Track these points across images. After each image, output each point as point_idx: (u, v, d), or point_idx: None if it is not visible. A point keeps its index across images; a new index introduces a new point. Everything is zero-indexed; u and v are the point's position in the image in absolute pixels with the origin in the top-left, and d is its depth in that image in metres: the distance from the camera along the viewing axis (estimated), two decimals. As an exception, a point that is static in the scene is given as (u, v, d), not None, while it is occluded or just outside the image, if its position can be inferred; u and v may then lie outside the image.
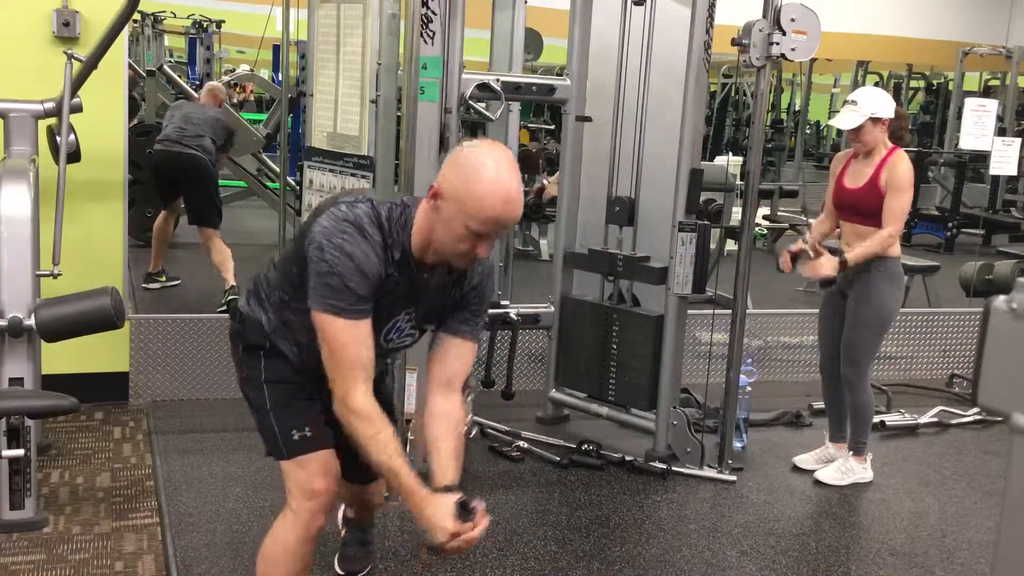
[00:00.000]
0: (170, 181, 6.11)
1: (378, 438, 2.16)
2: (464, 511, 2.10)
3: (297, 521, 2.41)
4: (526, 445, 4.22)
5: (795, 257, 4.00)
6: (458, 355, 2.36)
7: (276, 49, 7.92)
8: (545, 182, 7.82)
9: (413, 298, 2.32)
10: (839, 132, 17.32)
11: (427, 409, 2.35)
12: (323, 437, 2.43)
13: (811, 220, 4.13)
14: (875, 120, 3.85)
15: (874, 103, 3.87)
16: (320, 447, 2.42)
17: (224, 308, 5.53)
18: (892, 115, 3.90)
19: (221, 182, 6.54)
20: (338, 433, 2.40)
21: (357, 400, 2.17)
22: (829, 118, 17.26)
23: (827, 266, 3.85)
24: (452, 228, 2.13)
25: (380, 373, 2.55)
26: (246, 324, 2.47)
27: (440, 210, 2.14)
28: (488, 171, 2.10)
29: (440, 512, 2.10)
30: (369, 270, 2.16)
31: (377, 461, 2.17)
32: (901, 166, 3.84)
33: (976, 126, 5.76)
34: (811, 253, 3.90)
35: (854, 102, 3.90)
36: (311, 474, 2.40)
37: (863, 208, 3.90)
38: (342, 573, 3.09)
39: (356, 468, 2.63)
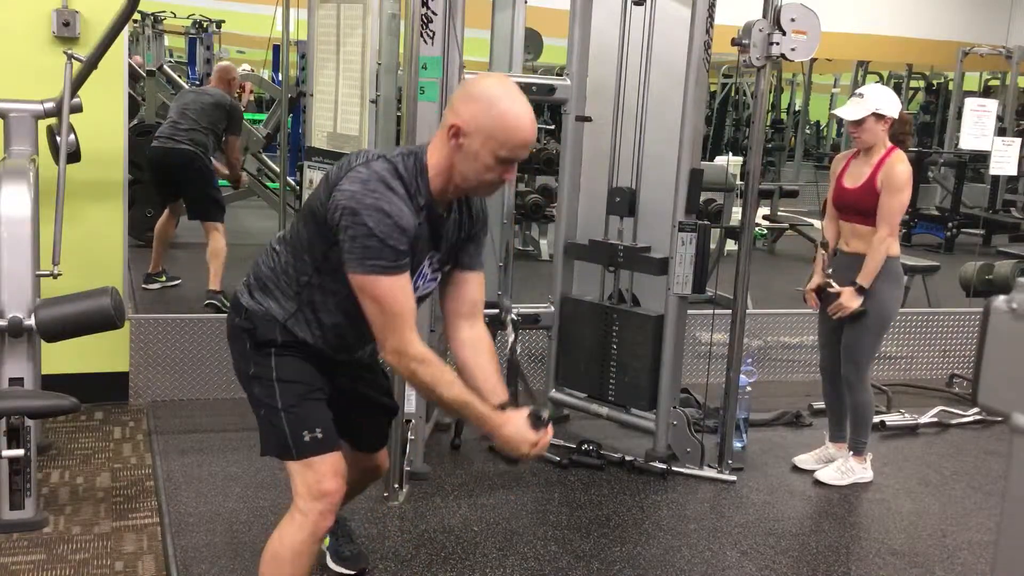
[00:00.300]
0: (166, 179, 6.07)
1: (444, 378, 2.27)
2: (537, 421, 2.28)
3: (305, 522, 2.40)
4: (526, 445, 4.21)
5: (819, 291, 4.05)
6: (476, 286, 2.49)
7: (276, 49, 7.92)
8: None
9: (435, 241, 2.38)
10: (839, 132, 17.37)
11: (454, 340, 2.44)
12: (333, 438, 2.44)
13: (826, 241, 4.12)
14: (879, 116, 3.86)
15: (880, 99, 3.87)
16: (331, 449, 2.43)
17: (209, 308, 5.52)
18: (896, 115, 3.90)
19: (221, 182, 6.49)
20: (345, 413, 2.49)
21: (415, 347, 2.25)
22: (829, 118, 17.28)
23: (852, 301, 3.89)
24: (480, 160, 2.22)
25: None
26: (254, 319, 2.44)
27: (464, 146, 2.22)
28: (507, 100, 2.21)
29: (519, 427, 2.27)
30: (405, 224, 2.21)
31: (449, 398, 2.28)
32: (899, 166, 3.84)
33: (976, 126, 5.76)
34: (834, 286, 3.95)
35: (861, 95, 3.90)
36: (321, 475, 2.40)
37: (861, 208, 3.91)
38: (351, 572, 3.09)
39: (369, 437, 2.75)
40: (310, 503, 2.40)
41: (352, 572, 3.10)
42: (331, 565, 3.10)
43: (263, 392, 2.45)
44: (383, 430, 2.86)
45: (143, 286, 6.26)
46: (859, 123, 3.87)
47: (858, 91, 3.97)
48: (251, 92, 13.85)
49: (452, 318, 2.46)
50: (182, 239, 7.26)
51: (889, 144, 3.93)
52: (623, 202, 4.21)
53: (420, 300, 2.48)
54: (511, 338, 2.60)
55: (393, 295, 2.22)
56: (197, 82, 11.71)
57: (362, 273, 2.21)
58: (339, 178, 2.26)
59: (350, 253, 2.20)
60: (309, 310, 2.41)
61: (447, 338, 2.49)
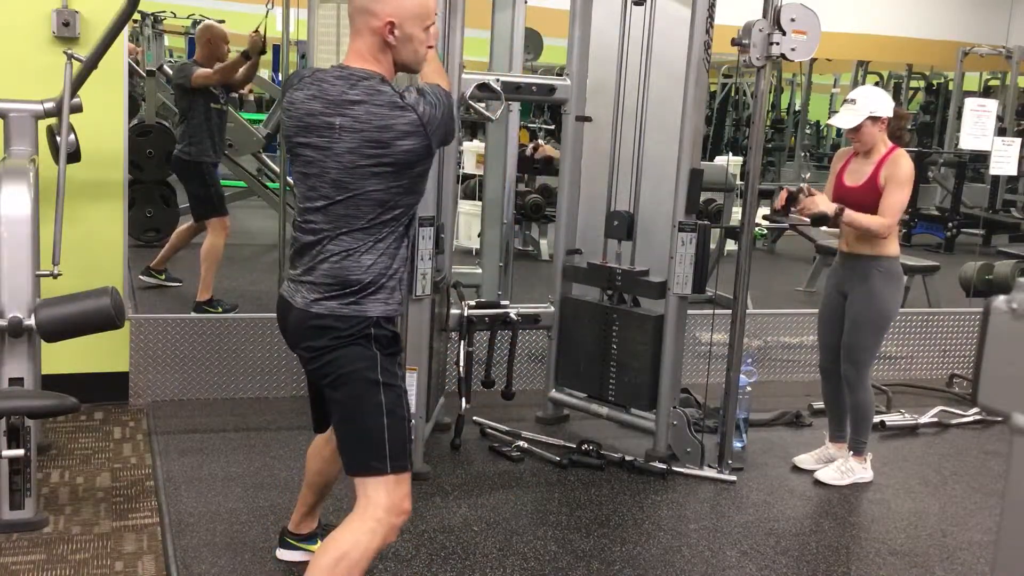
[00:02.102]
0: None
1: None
2: (792, 202, 2.64)
3: (380, 532, 2.43)
4: (526, 445, 4.22)
5: (791, 198, 3.96)
6: None
7: (276, 49, 7.90)
8: (540, 141, 7.80)
9: None
10: (839, 132, 17.28)
11: None
12: None
13: (818, 229, 4.11)
14: (874, 119, 3.86)
15: (872, 102, 3.87)
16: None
17: (201, 310, 5.52)
18: (891, 114, 3.90)
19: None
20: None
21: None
22: (829, 118, 17.27)
23: (822, 203, 3.85)
24: (416, 38, 2.45)
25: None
26: (368, 324, 2.42)
27: (402, 36, 2.42)
28: None
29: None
30: (441, 93, 2.51)
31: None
32: (903, 162, 3.85)
33: (976, 126, 5.76)
34: (807, 192, 3.90)
35: (852, 101, 3.90)
36: (405, 493, 2.48)
37: (862, 206, 3.90)
38: None
39: None
40: (391, 517, 2.44)
41: None
42: None
43: (394, 400, 2.44)
44: None
45: (140, 276, 6.16)
46: (856, 129, 3.87)
47: (849, 96, 3.96)
48: (251, 92, 13.84)
49: None
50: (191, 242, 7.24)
51: (889, 144, 3.93)
52: (621, 226, 4.21)
53: None
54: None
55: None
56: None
57: (441, 89, 2.52)
58: (422, 132, 2.39)
59: (450, 127, 2.53)
60: (404, 256, 2.52)
61: None
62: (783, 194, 3.98)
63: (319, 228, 2.44)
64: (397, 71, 2.51)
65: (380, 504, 2.42)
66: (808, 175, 3.94)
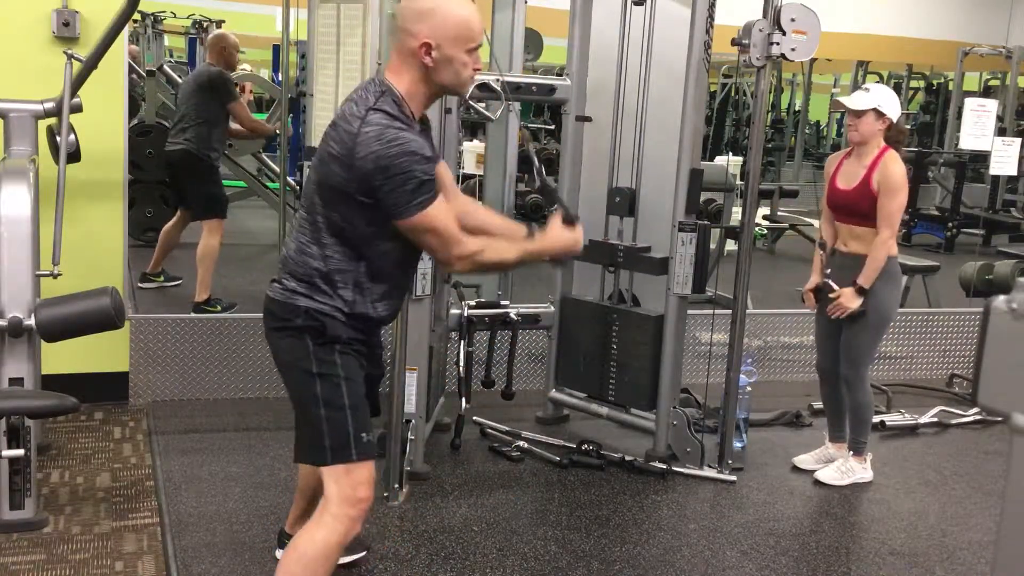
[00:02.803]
0: (172, 181, 6.08)
1: (502, 247, 2.52)
2: (570, 219, 2.58)
3: (338, 527, 2.41)
4: (526, 445, 4.22)
5: (816, 291, 4.06)
6: (443, 171, 2.56)
7: (276, 49, 7.91)
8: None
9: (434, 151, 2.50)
10: (839, 132, 17.34)
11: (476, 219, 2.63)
12: (373, 445, 2.49)
13: (824, 241, 4.12)
14: (879, 114, 3.86)
15: (885, 98, 3.88)
16: (374, 454, 2.49)
17: (200, 311, 5.51)
18: (895, 119, 3.91)
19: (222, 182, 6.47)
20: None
21: (469, 245, 2.43)
22: (829, 117, 17.27)
23: (852, 301, 3.89)
24: (457, 61, 2.36)
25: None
26: (320, 318, 2.43)
27: (440, 58, 2.35)
28: (452, 2, 2.37)
29: (560, 233, 2.57)
30: (427, 152, 2.34)
31: (516, 258, 2.54)
32: (893, 167, 3.84)
33: (976, 126, 5.76)
34: (833, 286, 3.96)
35: (867, 89, 3.92)
36: (359, 482, 2.43)
37: (856, 209, 3.91)
38: (354, 557, 3.12)
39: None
40: (345, 508, 2.41)
41: (355, 556, 3.11)
42: None
43: (329, 390, 2.44)
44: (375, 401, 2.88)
45: (138, 284, 6.21)
46: (860, 115, 3.88)
47: (865, 85, 3.98)
48: (251, 92, 13.83)
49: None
50: (183, 239, 7.24)
51: (882, 144, 3.93)
52: (623, 202, 4.21)
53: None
54: (533, 159, 2.88)
55: (441, 217, 2.36)
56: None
57: (412, 215, 2.32)
58: (348, 150, 2.30)
59: (396, 204, 2.30)
60: (369, 283, 2.44)
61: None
62: (811, 296, 4.11)
63: (296, 228, 2.54)
64: (437, 93, 2.45)
65: (332, 497, 2.42)
66: (829, 271, 4.01)
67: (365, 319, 2.48)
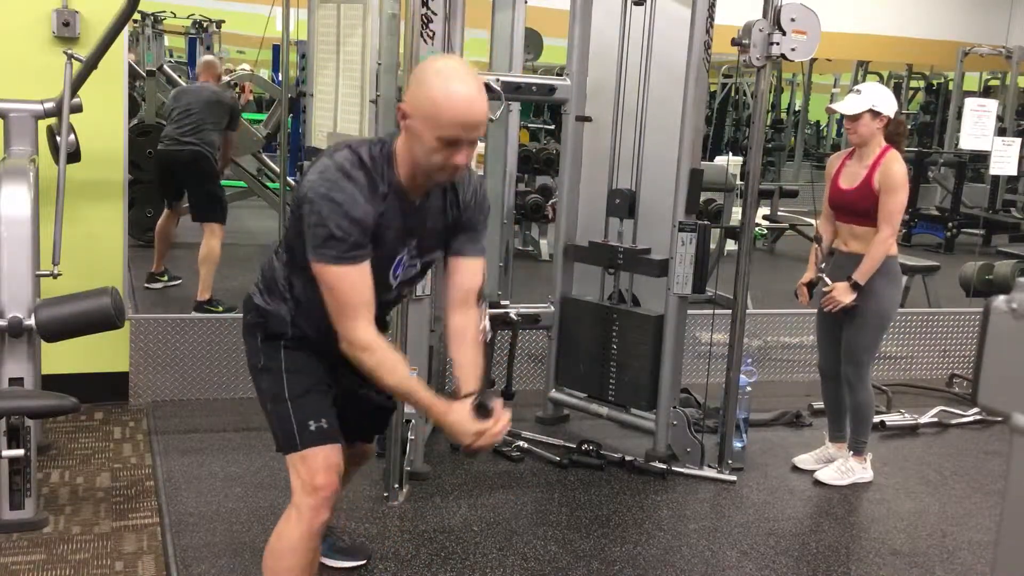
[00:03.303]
0: (173, 179, 6.10)
1: (386, 364, 2.28)
2: (482, 411, 2.26)
3: (300, 517, 2.41)
4: (526, 445, 4.22)
5: (810, 286, 4.06)
6: (470, 273, 2.45)
7: (276, 49, 7.91)
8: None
9: (411, 230, 2.36)
10: (839, 132, 17.35)
11: (446, 329, 2.45)
12: (335, 431, 2.45)
13: (820, 235, 4.13)
14: (875, 113, 3.86)
15: (878, 97, 3.88)
16: (331, 440, 2.43)
17: (202, 310, 5.52)
18: (892, 115, 3.90)
19: (222, 182, 6.50)
20: (344, 410, 2.51)
21: (360, 334, 2.25)
22: (829, 117, 17.26)
23: (845, 295, 3.90)
24: (425, 142, 2.17)
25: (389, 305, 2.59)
26: (266, 315, 2.46)
27: (411, 128, 2.19)
28: (443, 78, 2.15)
29: (460, 417, 2.25)
30: (358, 214, 2.20)
31: (391, 384, 2.30)
32: (894, 167, 3.84)
33: (976, 126, 5.76)
34: (827, 281, 3.95)
35: (859, 91, 3.91)
36: (314, 470, 2.40)
37: (858, 209, 3.91)
38: (356, 563, 3.12)
39: (365, 431, 2.80)
40: (304, 498, 2.41)
41: (356, 563, 3.11)
42: (332, 563, 3.10)
43: (272, 383, 2.46)
44: (378, 424, 2.89)
45: (146, 285, 6.29)
46: (855, 118, 3.87)
47: (856, 87, 3.97)
48: (251, 92, 13.82)
49: (446, 306, 2.46)
50: (182, 239, 7.25)
51: (883, 144, 3.93)
52: (623, 204, 4.21)
53: (404, 285, 2.51)
54: (484, 322, 2.62)
55: (343, 284, 2.23)
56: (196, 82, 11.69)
57: (316, 261, 2.23)
58: (307, 171, 2.30)
59: (308, 241, 2.23)
60: (305, 307, 2.42)
61: (444, 326, 2.50)
62: (804, 290, 4.12)
63: None
64: (416, 168, 2.24)
65: (294, 488, 2.43)
66: (824, 265, 4.01)
67: (308, 337, 2.46)
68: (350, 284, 2.23)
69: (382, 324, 2.55)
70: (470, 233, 2.45)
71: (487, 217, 2.51)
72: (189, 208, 6.18)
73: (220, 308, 5.58)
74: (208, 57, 6.88)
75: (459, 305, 2.43)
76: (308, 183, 2.22)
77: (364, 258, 2.24)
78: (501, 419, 2.29)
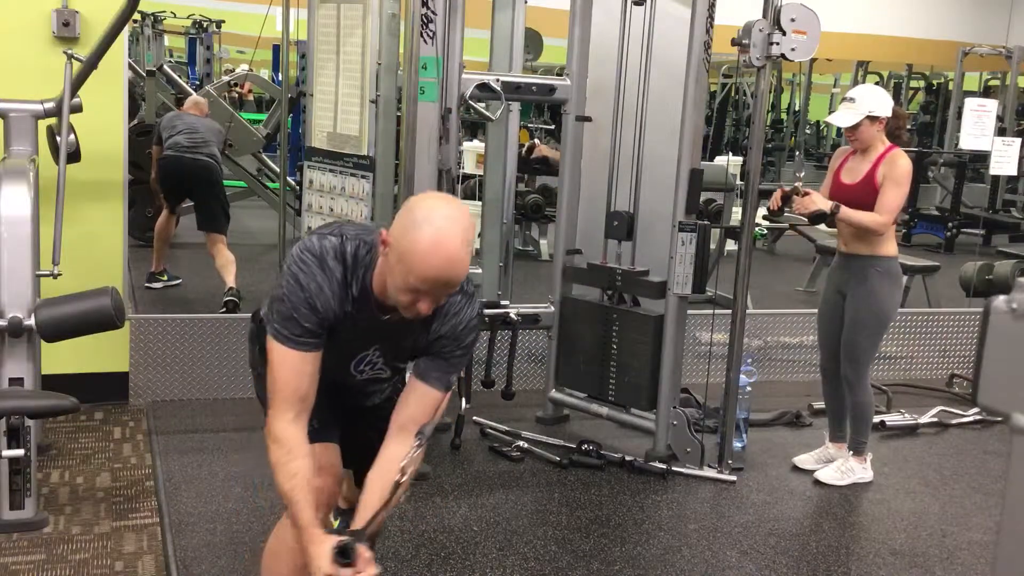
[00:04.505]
0: (181, 187, 6.19)
1: (289, 466, 2.17)
2: (342, 555, 2.09)
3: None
4: (526, 445, 4.22)
5: (786, 198, 3.98)
6: (419, 399, 2.29)
7: (276, 49, 7.91)
8: (536, 141, 7.82)
9: (376, 338, 2.30)
10: (839, 131, 17.26)
11: (380, 449, 2.32)
12: (328, 432, 2.42)
13: (818, 229, 4.12)
14: (872, 118, 3.86)
15: (872, 101, 3.87)
16: (323, 439, 2.40)
17: (224, 309, 5.54)
18: (889, 114, 3.90)
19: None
20: (358, 425, 2.48)
21: (277, 426, 2.18)
22: (828, 116, 17.26)
23: (818, 201, 3.86)
24: (395, 278, 2.08)
25: (384, 397, 2.53)
26: (263, 324, 2.43)
27: (388, 258, 2.09)
28: (431, 228, 2.02)
29: (320, 552, 2.11)
30: (320, 304, 2.14)
31: (279, 486, 2.18)
32: (900, 161, 3.84)
33: (976, 126, 5.77)
34: (801, 192, 3.90)
35: (852, 100, 3.90)
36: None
37: (859, 204, 3.90)
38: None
39: (369, 460, 2.63)
40: None
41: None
42: None
43: (263, 386, 2.45)
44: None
45: (146, 285, 6.31)
46: (854, 128, 3.87)
47: (848, 95, 3.96)
48: (250, 92, 13.82)
49: (391, 423, 2.32)
50: (182, 239, 7.26)
51: (887, 143, 3.92)
52: (621, 226, 4.21)
53: (375, 382, 2.46)
54: (409, 464, 2.43)
55: (279, 365, 2.17)
56: (197, 82, 11.71)
57: (270, 334, 2.18)
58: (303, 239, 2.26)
59: (268, 311, 2.21)
60: None
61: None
62: (778, 193, 3.99)
63: None
64: (384, 285, 2.15)
65: None
66: (803, 173, 3.93)
67: None
68: (288, 369, 2.17)
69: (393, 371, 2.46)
70: (439, 362, 2.30)
71: (466, 353, 2.34)
72: (197, 217, 6.21)
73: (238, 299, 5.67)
74: (196, 97, 7.17)
75: (396, 431, 2.29)
76: (291, 255, 2.18)
77: (313, 348, 2.17)
78: (365, 570, 2.10)
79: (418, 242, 2.01)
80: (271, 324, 2.18)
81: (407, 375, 2.42)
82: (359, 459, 2.65)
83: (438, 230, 2.01)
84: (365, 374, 2.40)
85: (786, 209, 4.00)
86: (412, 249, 2.01)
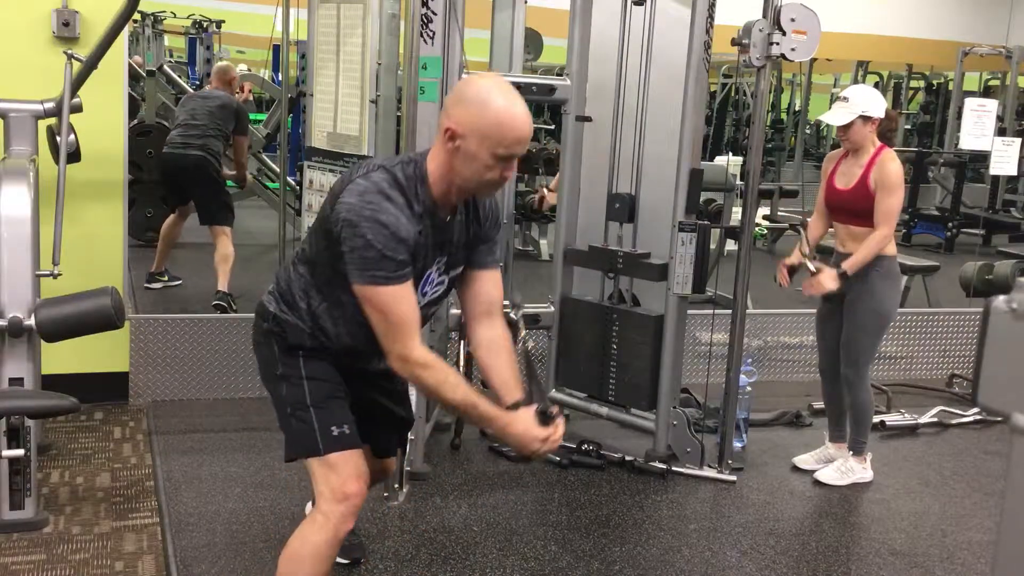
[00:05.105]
0: (177, 185, 6.13)
1: (448, 381, 2.31)
2: (545, 417, 2.33)
3: (327, 524, 2.40)
4: (526, 445, 4.21)
5: (792, 270, 4.02)
6: (492, 284, 2.50)
7: (276, 49, 7.91)
8: (545, 191, 7.80)
9: (442, 246, 2.40)
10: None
11: (472, 342, 2.48)
12: (357, 437, 2.46)
13: (806, 221, 4.11)
14: (865, 118, 3.85)
15: (866, 101, 3.87)
16: (355, 445, 2.45)
17: (217, 308, 5.53)
18: (883, 115, 3.90)
19: (227, 183, 6.50)
20: (360, 420, 2.51)
21: (417, 353, 2.28)
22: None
23: (829, 282, 3.86)
24: (479, 160, 2.22)
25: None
26: (284, 326, 2.46)
27: (461, 148, 2.23)
28: (499, 98, 2.22)
29: (526, 426, 2.32)
30: (403, 234, 2.23)
31: (453, 400, 2.32)
32: (890, 166, 3.84)
33: (976, 126, 5.76)
34: (811, 267, 3.92)
35: (845, 99, 3.90)
36: (345, 477, 2.41)
37: (854, 209, 3.91)
38: (345, 561, 3.12)
39: (381, 444, 2.78)
40: (333, 506, 2.40)
41: (344, 560, 3.11)
42: None
43: (292, 390, 2.46)
44: (395, 438, 2.87)
45: (145, 285, 6.30)
46: (847, 128, 3.87)
47: (842, 94, 3.96)
48: (250, 92, 13.79)
49: (470, 319, 2.48)
50: (184, 239, 7.24)
51: (878, 143, 3.92)
52: (623, 208, 4.21)
53: (431, 305, 2.51)
54: (521, 333, 2.64)
55: (395, 304, 2.25)
56: (197, 82, 11.71)
57: (363, 284, 2.24)
58: (340, 191, 2.29)
59: (351, 264, 2.24)
60: (327, 321, 2.44)
61: (468, 340, 2.51)
62: (784, 270, 4.03)
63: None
64: (460, 187, 2.30)
65: (322, 494, 2.42)
66: (807, 250, 3.97)
67: (325, 348, 2.47)
68: (402, 302, 2.26)
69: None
70: (489, 244, 2.50)
71: (500, 230, 2.55)
72: (197, 213, 6.19)
73: (235, 307, 5.61)
74: (222, 63, 6.82)
75: (484, 317, 2.48)
76: (348, 206, 2.23)
77: (410, 277, 2.28)
78: (560, 425, 2.35)
79: (499, 113, 2.20)
80: (362, 276, 2.23)
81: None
82: (378, 442, 2.72)
83: (505, 97, 2.23)
84: (427, 296, 2.46)
85: (794, 279, 4.06)
86: (497, 121, 2.20)
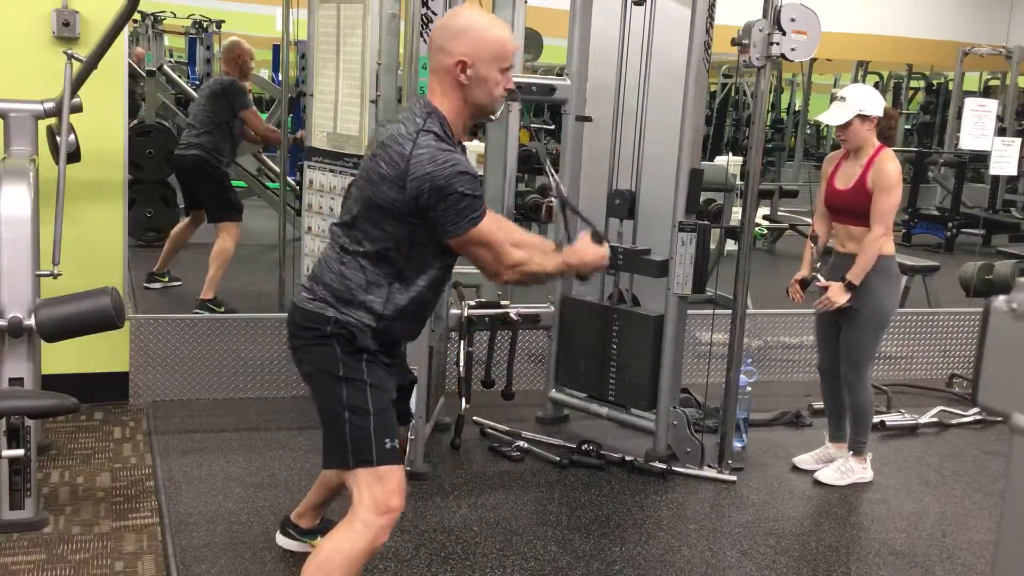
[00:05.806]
0: (183, 186, 6.15)
1: (538, 261, 2.57)
2: (597, 238, 2.75)
3: (366, 533, 2.41)
4: (526, 445, 4.22)
5: (804, 283, 4.04)
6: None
7: (276, 49, 7.92)
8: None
9: None
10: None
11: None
12: (401, 453, 2.51)
13: (815, 235, 4.12)
14: (863, 118, 3.85)
15: (863, 100, 3.87)
16: (401, 460, 2.50)
17: (204, 308, 5.54)
18: (880, 113, 3.90)
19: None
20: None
21: (516, 256, 2.50)
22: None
23: (840, 296, 3.88)
24: (490, 80, 2.43)
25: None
26: (349, 327, 2.46)
27: (474, 76, 2.41)
28: (486, 19, 2.47)
29: (590, 248, 2.70)
30: (473, 171, 2.42)
31: (551, 272, 2.65)
32: (888, 166, 3.84)
33: (976, 126, 5.76)
34: (821, 279, 3.95)
35: (843, 98, 3.90)
36: (390, 491, 2.43)
37: (853, 209, 3.91)
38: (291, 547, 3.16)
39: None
40: (375, 517, 2.41)
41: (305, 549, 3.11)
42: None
43: (354, 394, 2.45)
44: (404, 405, 2.84)
45: (145, 285, 6.29)
46: (845, 126, 3.87)
47: (839, 94, 3.96)
48: (250, 92, 13.73)
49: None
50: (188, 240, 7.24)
51: (877, 143, 3.92)
52: (623, 204, 4.21)
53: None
54: (553, 181, 3.23)
55: (492, 231, 2.45)
56: (197, 82, 11.70)
57: (464, 231, 2.39)
58: (401, 172, 2.35)
59: (448, 222, 2.38)
60: (401, 301, 2.48)
61: None
62: (796, 286, 4.07)
63: (331, 239, 2.55)
64: (472, 113, 2.50)
65: (364, 503, 2.42)
66: (819, 265, 4.01)
67: (391, 334, 2.52)
68: (495, 227, 2.48)
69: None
70: None
71: None
72: (205, 211, 6.15)
73: (221, 308, 5.58)
74: (230, 39, 6.40)
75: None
76: (428, 175, 2.33)
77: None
78: (606, 243, 2.76)
79: (492, 30, 2.44)
80: (460, 225, 2.38)
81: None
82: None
83: (488, 16, 2.51)
84: None
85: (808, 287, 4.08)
86: (497, 39, 2.43)
